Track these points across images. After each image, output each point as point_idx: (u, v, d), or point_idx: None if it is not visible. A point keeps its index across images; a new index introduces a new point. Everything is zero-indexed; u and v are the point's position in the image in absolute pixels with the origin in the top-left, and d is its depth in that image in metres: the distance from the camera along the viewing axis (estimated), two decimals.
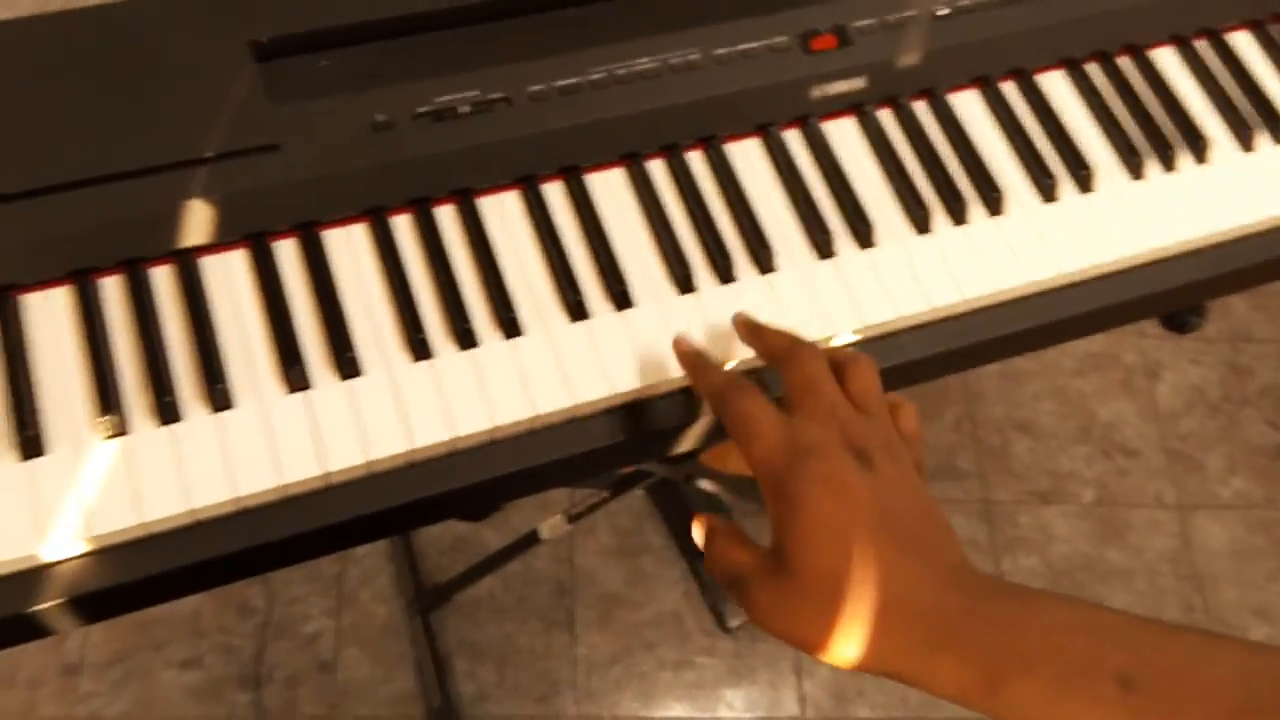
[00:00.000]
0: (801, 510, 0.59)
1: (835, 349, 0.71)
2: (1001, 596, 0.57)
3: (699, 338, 0.74)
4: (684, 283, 0.76)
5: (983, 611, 0.56)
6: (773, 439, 0.61)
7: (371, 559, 1.72)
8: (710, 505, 1.67)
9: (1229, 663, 0.52)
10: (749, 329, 0.71)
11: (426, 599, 1.67)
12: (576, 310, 0.74)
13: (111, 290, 0.70)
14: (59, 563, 0.64)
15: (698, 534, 0.65)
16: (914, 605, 0.56)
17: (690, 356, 0.71)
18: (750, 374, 0.69)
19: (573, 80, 0.76)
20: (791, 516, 0.59)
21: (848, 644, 0.57)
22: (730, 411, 0.64)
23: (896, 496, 0.60)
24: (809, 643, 0.58)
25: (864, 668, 0.57)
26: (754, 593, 0.60)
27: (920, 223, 0.80)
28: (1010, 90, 0.87)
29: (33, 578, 0.64)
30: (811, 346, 0.66)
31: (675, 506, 1.73)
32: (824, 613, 0.57)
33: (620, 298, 0.74)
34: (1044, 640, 0.54)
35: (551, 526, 1.48)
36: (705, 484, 1.57)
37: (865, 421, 0.63)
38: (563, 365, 0.72)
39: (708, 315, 0.75)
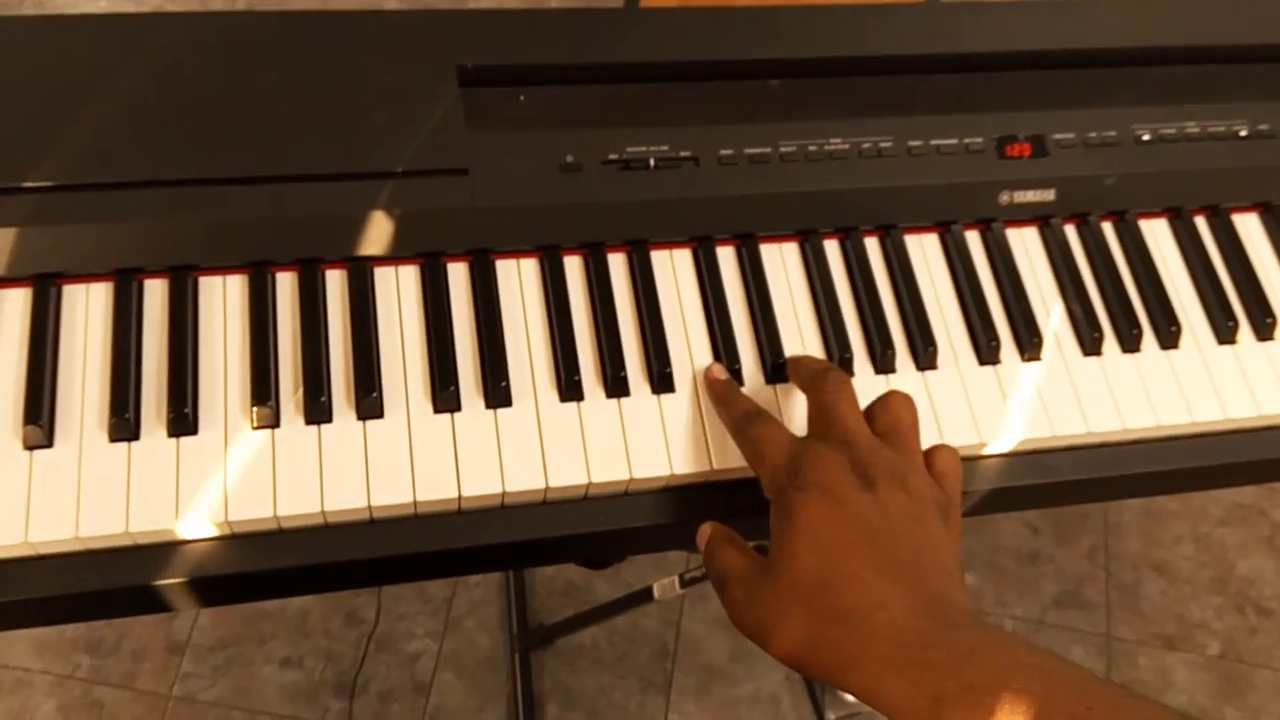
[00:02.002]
0: (791, 516, 0.61)
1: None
2: (968, 628, 0.57)
3: None
4: (840, 366, 0.75)
5: (944, 640, 0.56)
6: (780, 457, 0.64)
7: (483, 589, 1.73)
8: None
9: None
10: (791, 360, 0.74)
11: (530, 638, 1.67)
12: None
13: (284, 286, 0.71)
14: (190, 542, 0.65)
15: (701, 537, 0.67)
16: (877, 620, 0.57)
17: (718, 385, 0.72)
18: None
19: (763, 150, 0.76)
20: (782, 524, 0.61)
21: (803, 648, 0.58)
22: (747, 435, 0.67)
23: (892, 520, 0.61)
24: (772, 644, 0.60)
25: (815, 674, 0.59)
26: (734, 589, 0.62)
27: (1090, 345, 0.78)
28: (1202, 225, 0.84)
29: (163, 553, 0.65)
30: (840, 374, 0.69)
31: None
32: (785, 615, 0.59)
33: (774, 371, 0.74)
34: (998, 676, 0.53)
35: (665, 587, 1.47)
36: None
37: (879, 450, 0.64)
38: (708, 430, 0.71)
39: (863, 403, 0.73)
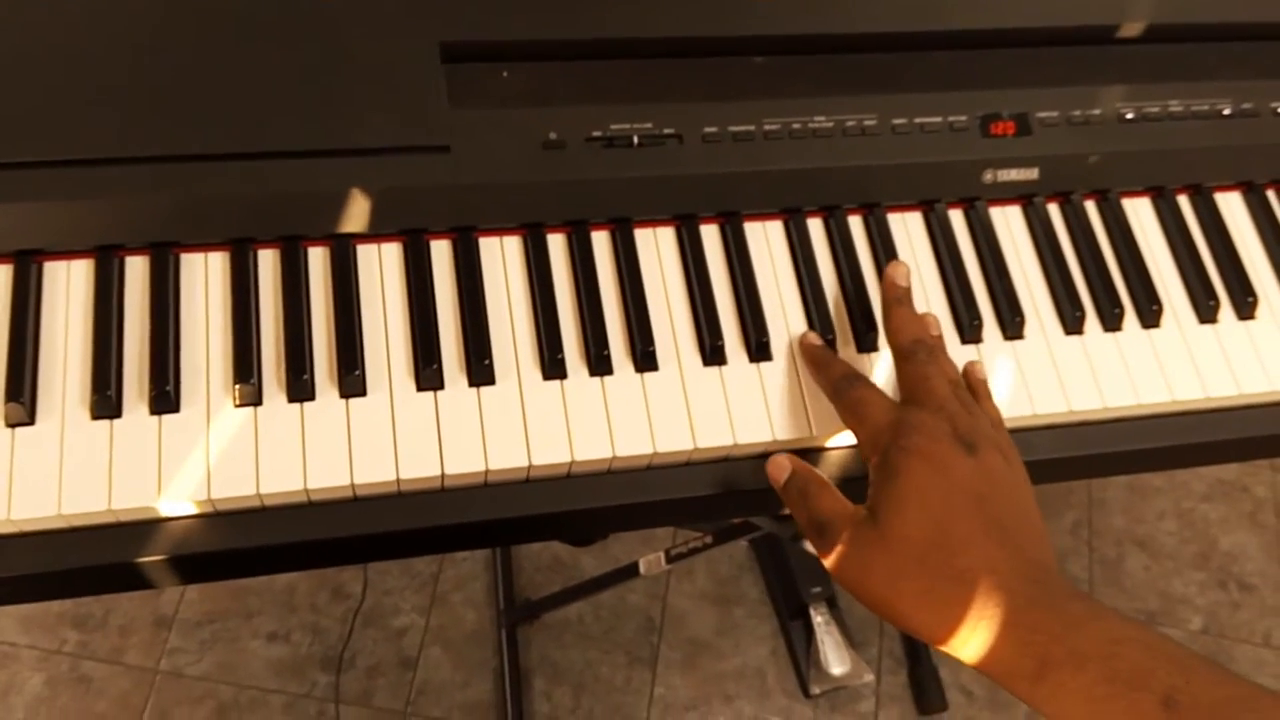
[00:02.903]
0: (899, 477, 0.62)
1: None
2: (1073, 598, 0.58)
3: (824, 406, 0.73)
4: (826, 345, 0.75)
5: (1051, 604, 0.58)
6: (882, 420, 0.66)
7: (469, 564, 1.73)
8: (812, 568, 1.66)
9: (1276, 716, 0.52)
10: (890, 300, 0.73)
11: (516, 613, 1.68)
12: (712, 356, 0.73)
13: (266, 263, 0.71)
14: (173, 519, 0.65)
15: (778, 471, 0.68)
16: (987, 583, 0.58)
17: (813, 350, 0.74)
18: None
19: (747, 128, 0.76)
20: (888, 483, 0.62)
21: (913, 606, 0.60)
22: (846, 398, 0.68)
23: (995, 486, 0.63)
24: (877, 598, 0.61)
25: (921, 633, 0.60)
26: (838, 540, 0.63)
27: (1072, 323, 0.78)
28: (1184, 204, 0.84)
29: (146, 530, 0.65)
30: (929, 345, 0.70)
31: (776, 564, 1.71)
32: (899, 572, 0.60)
33: (759, 349, 0.74)
34: (1102, 644, 0.55)
35: (651, 562, 1.48)
36: (811, 548, 1.55)
37: (977, 416, 0.66)
38: (687, 409, 0.71)
39: None
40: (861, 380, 0.69)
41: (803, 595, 1.65)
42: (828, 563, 0.64)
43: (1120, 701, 0.53)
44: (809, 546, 1.54)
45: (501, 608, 1.68)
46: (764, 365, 0.74)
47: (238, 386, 0.67)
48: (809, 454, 0.73)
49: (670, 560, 1.46)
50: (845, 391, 0.69)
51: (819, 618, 1.64)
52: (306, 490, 0.66)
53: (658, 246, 0.76)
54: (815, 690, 1.65)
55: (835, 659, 1.63)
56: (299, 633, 1.67)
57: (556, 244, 0.75)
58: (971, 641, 0.58)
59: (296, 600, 1.69)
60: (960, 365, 0.73)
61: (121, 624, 1.66)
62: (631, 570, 1.52)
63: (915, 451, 0.63)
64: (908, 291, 0.74)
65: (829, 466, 0.74)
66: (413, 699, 1.64)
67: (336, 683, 1.63)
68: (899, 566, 0.60)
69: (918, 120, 0.79)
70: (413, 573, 1.72)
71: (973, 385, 0.72)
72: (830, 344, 0.75)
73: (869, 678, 1.65)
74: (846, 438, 0.73)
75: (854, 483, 0.72)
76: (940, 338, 0.73)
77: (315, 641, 1.67)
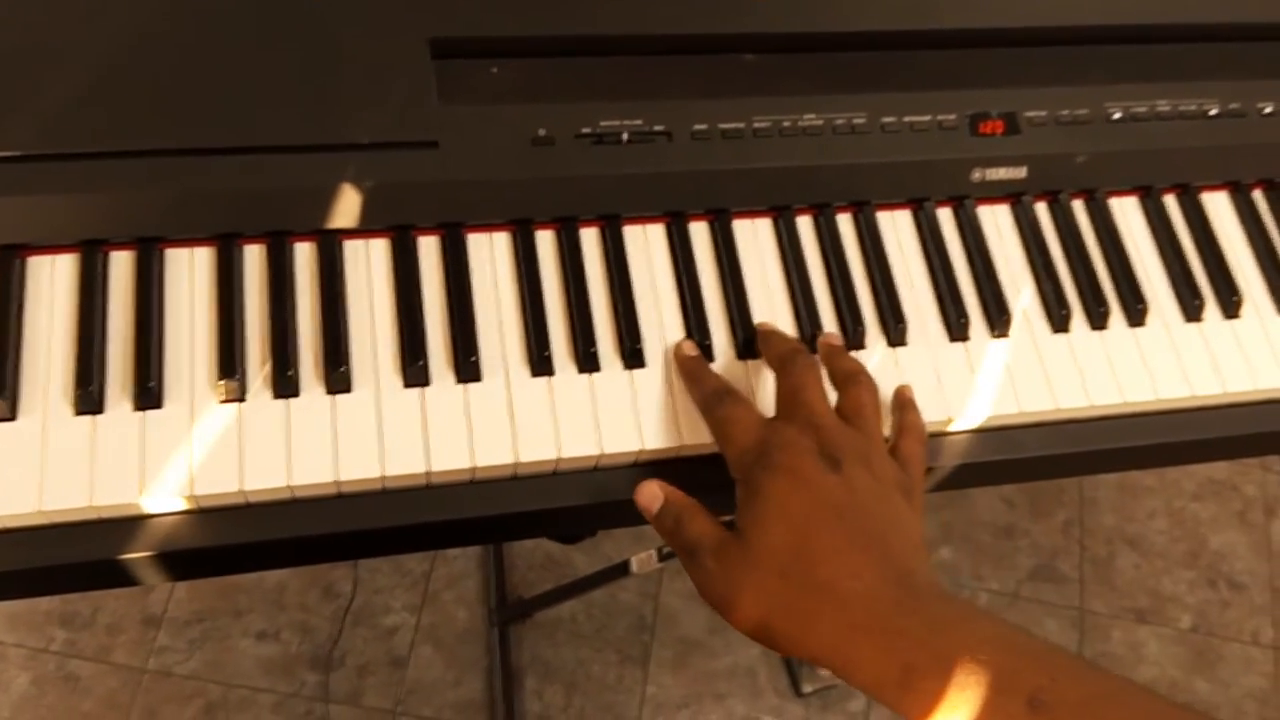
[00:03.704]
0: (761, 494, 0.62)
1: (846, 360, 0.72)
2: (938, 601, 0.59)
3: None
4: (812, 342, 0.75)
5: (915, 608, 0.58)
6: (748, 439, 0.65)
7: (461, 562, 1.73)
8: None
9: (1141, 708, 0.53)
10: (763, 334, 0.74)
11: (508, 611, 1.68)
12: (701, 353, 0.73)
13: (252, 258, 0.71)
14: (156, 516, 0.65)
15: (649, 499, 0.67)
16: (850, 590, 0.59)
17: (688, 362, 0.72)
18: None
19: (737, 125, 0.76)
20: (751, 500, 0.63)
21: (780, 620, 0.60)
22: (715, 415, 0.68)
23: (859, 498, 0.62)
24: (746, 615, 0.61)
25: (791, 648, 0.60)
26: (705, 559, 0.63)
27: (1059, 322, 0.78)
28: (1171, 203, 0.85)
29: (129, 527, 0.65)
30: (807, 357, 0.70)
31: None
32: (764, 585, 0.60)
33: (746, 347, 0.74)
34: (967, 647, 0.55)
35: (643, 561, 1.48)
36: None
37: (845, 432, 0.66)
38: (677, 405, 0.71)
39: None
40: (731, 398, 0.68)
41: None
42: (698, 586, 0.64)
43: (985, 705, 0.53)
44: None
45: (493, 606, 1.68)
46: (750, 362, 0.74)
47: (222, 382, 0.66)
48: None
49: (662, 558, 1.46)
50: (714, 408, 0.68)
51: None
52: (291, 487, 0.65)
53: (647, 243, 0.76)
54: (806, 689, 1.65)
55: None
56: (288, 631, 1.67)
57: (545, 240, 0.75)
58: (839, 652, 0.58)
59: (286, 599, 1.69)
60: (938, 365, 0.73)
61: (109, 622, 1.66)
62: (623, 568, 1.52)
63: (778, 467, 0.63)
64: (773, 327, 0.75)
65: None
66: (403, 698, 1.64)
67: (326, 682, 1.63)
68: (763, 582, 0.60)
69: (907, 119, 0.79)
70: (403, 571, 1.72)
71: (861, 407, 0.69)
72: (813, 339, 0.74)
73: None
74: None
75: None
76: (822, 352, 0.73)
77: (305, 640, 1.66)
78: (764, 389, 0.73)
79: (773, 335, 0.73)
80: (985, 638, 0.56)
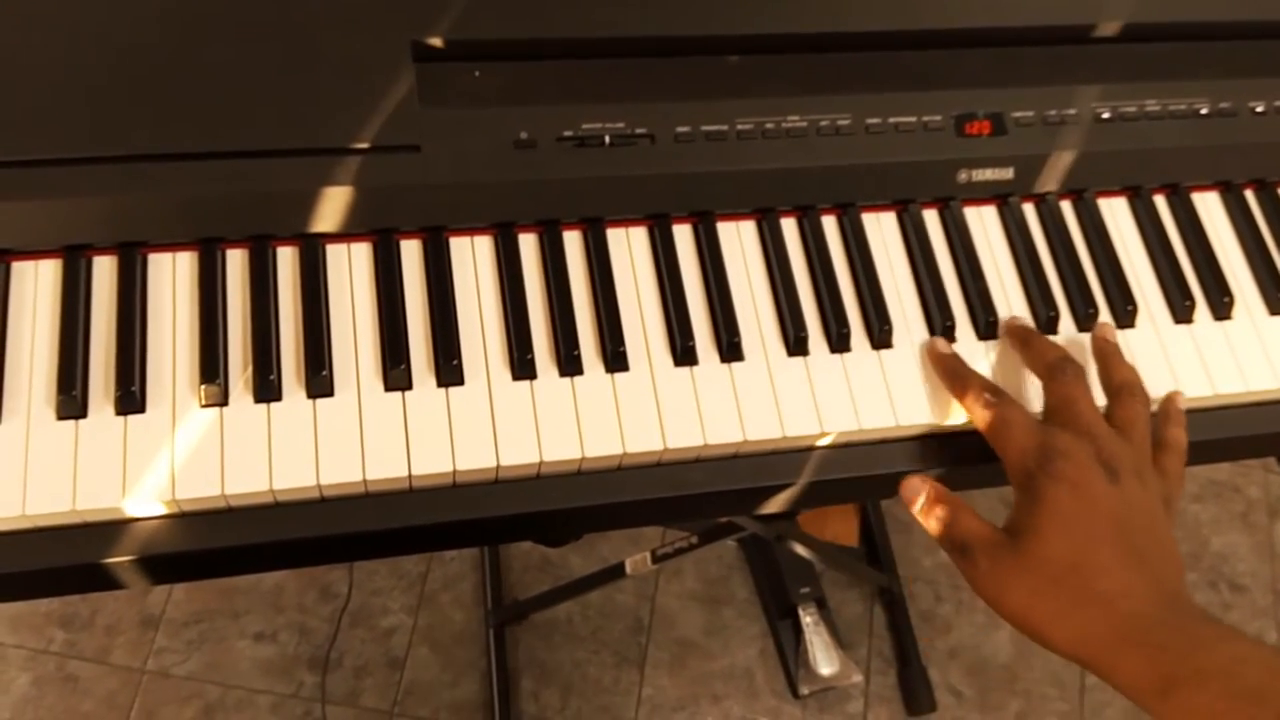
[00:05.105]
0: (1043, 502, 0.65)
1: (1125, 369, 0.74)
2: (1202, 622, 0.62)
3: (807, 404, 0.72)
4: (795, 344, 0.74)
5: (1178, 625, 0.62)
6: (1027, 441, 0.68)
7: (458, 564, 1.74)
8: (800, 568, 1.66)
9: None
10: (1022, 337, 0.76)
11: (504, 613, 1.68)
12: (683, 356, 0.73)
13: (235, 262, 0.71)
14: (139, 520, 0.65)
15: (913, 493, 0.70)
16: (1122, 605, 0.62)
17: (947, 360, 0.75)
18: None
19: (719, 127, 0.76)
20: (1032, 507, 0.66)
21: (1051, 623, 0.64)
22: (989, 415, 0.70)
23: (1134, 514, 0.66)
24: (1019, 615, 0.65)
25: (1059, 649, 0.64)
26: (980, 560, 0.66)
27: (1046, 324, 0.78)
28: (1161, 203, 0.84)
29: (112, 531, 0.65)
30: (1078, 365, 0.72)
31: (764, 564, 1.72)
32: (1038, 591, 0.64)
33: (730, 349, 0.73)
34: (1225, 664, 0.59)
35: (637, 562, 1.48)
36: (798, 548, 1.56)
37: (1120, 443, 0.69)
38: (658, 409, 0.71)
39: (818, 380, 0.73)
40: (1003, 398, 0.71)
41: (791, 596, 1.65)
42: (969, 579, 0.67)
43: (1239, 716, 0.56)
44: (798, 548, 1.55)
45: (489, 608, 1.68)
46: (735, 365, 0.73)
47: (204, 387, 0.67)
48: (781, 453, 0.73)
49: (656, 560, 1.46)
50: (986, 409, 0.71)
51: (808, 618, 1.64)
52: (272, 491, 0.65)
53: (630, 246, 0.76)
54: (804, 691, 1.65)
55: (824, 659, 1.63)
56: (286, 632, 1.67)
57: (528, 244, 0.75)
58: (1101, 658, 0.62)
59: (284, 600, 1.69)
60: (926, 368, 0.74)
61: (108, 623, 1.66)
62: (618, 570, 1.52)
63: (1060, 478, 0.65)
64: (1032, 328, 0.77)
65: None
66: (400, 699, 1.64)
67: (323, 683, 1.63)
68: (1037, 587, 0.64)
69: (892, 120, 0.79)
70: (400, 573, 1.72)
71: (1135, 419, 0.71)
72: (803, 341, 0.74)
73: (858, 678, 1.65)
74: (811, 431, 0.73)
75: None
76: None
77: (302, 641, 1.66)
78: (751, 391, 0.73)
79: (1039, 341, 0.75)
80: (1245, 656, 0.59)
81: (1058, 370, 0.72)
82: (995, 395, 0.71)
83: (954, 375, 0.74)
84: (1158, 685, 0.60)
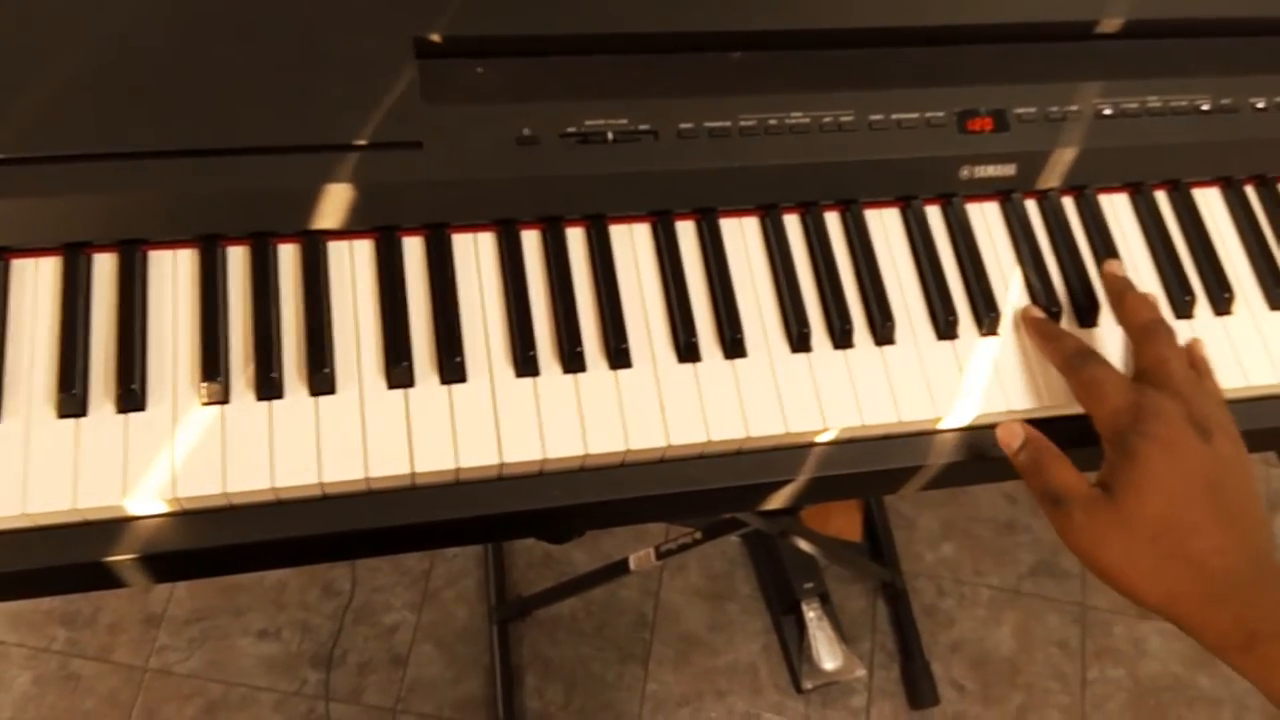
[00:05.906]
0: (1138, 461, 0.67)
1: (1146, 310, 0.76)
2: None
3: (810, 401, 0.72)
4: (798, 341, 0.74)
5: (1270, 584, 0.65)
6: (1120, 400, 0.69)
7: (461, 561, 1.74)
8: (804, 564, 1.66)
9: None
10: (1121, 296, 0.77)
11: (508, 609, 1.68)
12: (687, 353, 0.73)
13: (236, 260, 0.71)
14: (140, 518, 0.65)
15: (1011, 437, 0.72)
16: (1214, 564, 0.65)
17: (1040, 324, 0.77)
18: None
19: (723, 123, 0.76)
20: (1127, 464, 0.67)
21: (1143, 579, 0.66)
22: (1082, 375, 0.72)
23: (1226, 473, 0.68)
24: (1111, 570, 0.66)
25: (1147, 603, 0.66)
26: (1075, 514, 0.67)
27: (1049, 319, 0.78)
28: (1162, 199, 0.84)
29: (113, 529, 0.65)
30: (1168, 326, 0.74)
31: (768, 559, 1.72)
32: (1133, 548, 0.66)
33: (733, 346, 0.73)
34: None
35: (640, 559, 1.48)
36: (801, 543, 1.56)
37: (1211, 403, 0.71)
38: (660, 406, 0.71)
39: (821, 376, 0.73)
40: (1094, 358, 0.72)
41: (795, 591, 1.65)
42: (1060, 531, 0.69)
43: None
44: (801, 543, 1.54)
45: (493, 604, 1.68)
46: (739, 362, 0.73)
47: (205, 384, 0.66)
48: (784, 449, 0.73)
49: (660, 556, 1.46)
50: (1080, 369, 0.72)
51: (811, 613, 1.64)
52: (274, 489, 0.65)
53: (633, 243, 0.76)
54: (807, 685, 1.65)
55: (827, 654, 1.63)
56: (289, 630, 1.67)
57: (530, 241, 0.75)
58: (1190, 615, 0.65)
59: (286, 597, 1.69)
60: (927, 364, 0.74)
61: (111, 622, 1.66)
62: (622, 566, 1.52)
63: (1155, 437, 0.67)
64: (1130, 281, 0.78)
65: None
66: (403, 696, 1.64)
67: (327, 680, 1.63)
68: (1132, 545, 0.66)
69: (895, 116, 0.79)
70: (403, 569, 1.72)
71: (1196, 364, 0.75)
72: (806, 337, 0.74)
73: (861, 673, 1.65)
74: (814, 427, 0.73)
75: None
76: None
77: (305, 639, 1.66)
78: (751, 383, 0.73)
79: (1135, 300, 0.76)
80: None
81: (1150, 331, 0.73)
82: (1088, 355, 0.72)
83: (1047, 337, 0.75)
84: (1242, 640, 0.63)
